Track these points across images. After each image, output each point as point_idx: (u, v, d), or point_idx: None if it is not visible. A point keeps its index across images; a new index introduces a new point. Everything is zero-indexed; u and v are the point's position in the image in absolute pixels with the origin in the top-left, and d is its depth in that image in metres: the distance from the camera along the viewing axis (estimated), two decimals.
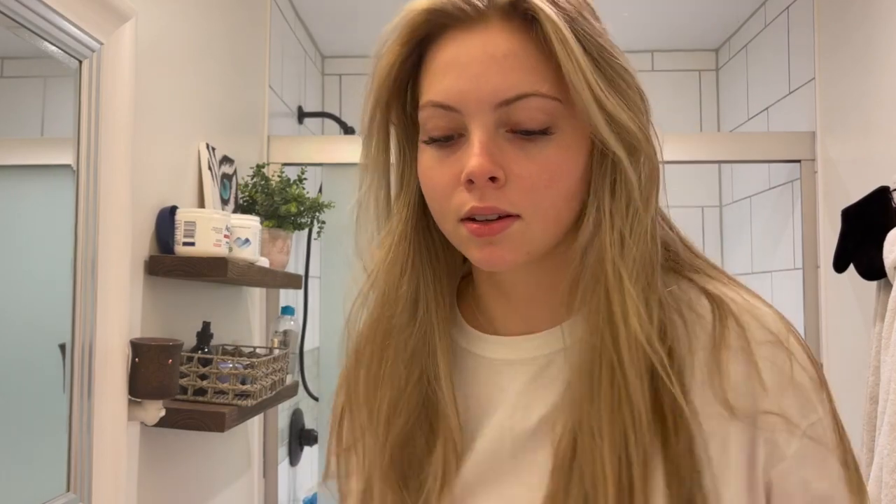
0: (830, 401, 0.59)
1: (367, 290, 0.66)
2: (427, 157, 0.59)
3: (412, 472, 0.62)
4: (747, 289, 0.62)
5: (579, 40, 0.54)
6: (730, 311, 0.59)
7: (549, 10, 0.54)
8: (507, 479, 0.60)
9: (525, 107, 0.55)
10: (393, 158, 0.64)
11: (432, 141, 0.59)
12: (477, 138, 0.55)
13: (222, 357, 1.50)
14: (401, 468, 0.62)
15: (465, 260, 0.68)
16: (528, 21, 0.55)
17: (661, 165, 0.59)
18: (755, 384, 0.57)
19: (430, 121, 0.58)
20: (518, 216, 0.56)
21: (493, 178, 0.55)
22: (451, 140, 0.58)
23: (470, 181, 0.55)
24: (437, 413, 0.62)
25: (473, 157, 0.55)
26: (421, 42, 0.60)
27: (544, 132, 0.55)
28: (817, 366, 0.59)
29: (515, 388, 0.62)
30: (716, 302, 0.59)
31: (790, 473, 0.57)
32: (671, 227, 0.64)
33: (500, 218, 0.56)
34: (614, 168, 0.57)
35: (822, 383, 0.59)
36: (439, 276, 0.65)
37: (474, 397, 0.63)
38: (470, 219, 0.57)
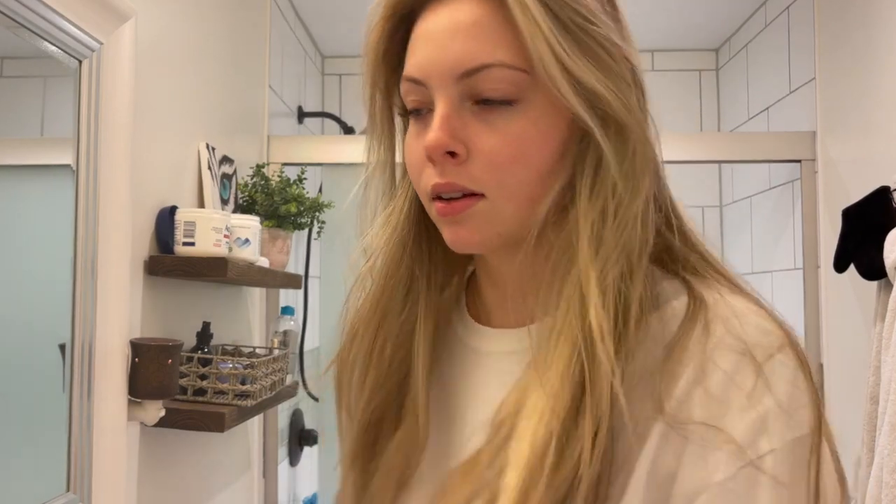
0: (814, 455, 0.48)
1: (367, 269, 0.64)
2: (408, 134, 0.58)
3: (376, 455, 0.61)
4: (753, 298, 0.55)
5: (547, 4, 0.51)
6: (702, 312, 0.52)
7: None
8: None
9: (489, 77, 0.52)
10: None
11: (409, 116, 0.57)
12: (438, 112, 0.53)
13: (222, 357, 1.50)
14: (366, 449, 0.61)
15: None
16: None
17: (657, 150, 0.55)
18: (699, 391, 0.49)
19: (406, 96, 0.56)
20: (482, 195, 0.53)
21: (452, 154, 0.53)
22: (422, 114, 0.56)
23: (431, 157, 0.53)
24: (407, 400, 0.61)
25: (431, 131, 0.53)
26: (407, 17, 0.58)
27: (509, 104, 0.52)
28: (805, 404, 0.49)
29: (499, 380, 0.57)
30: (693, 302, 0.53)
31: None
32: (677, 223, 0.57)
33: (464, 196, 0.53)
34: (597, 146, 0.52)
35: (803, 421, 0.49)
36: (435, 261, 0.63)
37: (454, 387, 0.62)
38: (438, 197, 0.54)
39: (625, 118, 0.52)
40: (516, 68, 0.52)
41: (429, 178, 0.55)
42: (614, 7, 0.56)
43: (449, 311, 0.66)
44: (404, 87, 0.57)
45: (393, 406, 0.62)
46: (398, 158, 0.63)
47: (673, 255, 0.57)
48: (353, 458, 0.63)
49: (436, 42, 0.54)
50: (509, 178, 0.53)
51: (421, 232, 0.62)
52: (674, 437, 0.49)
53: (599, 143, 0.52)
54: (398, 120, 0.62)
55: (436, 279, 0.63)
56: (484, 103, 0.53)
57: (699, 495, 0.47)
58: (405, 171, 0.61)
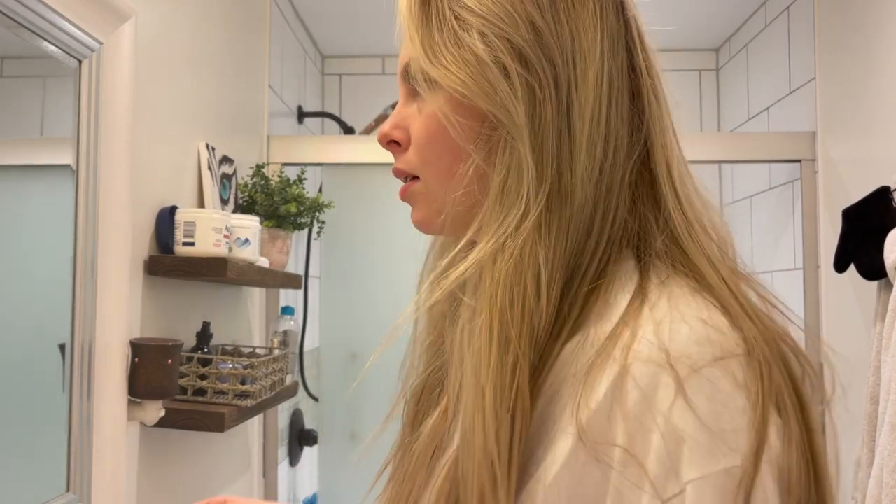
0: (741, 490, 0.42)
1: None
2: None
3: (418, 422, 0.63)
4: (716, 304, 0.49)
5: (424, 4, 0.56)
6: (636, 314, 0.48)
7: None
8: None
9: (411, 72, 0.58)
10: None
11: None
12: (396, 107, 0.61)
13: (222, 357, 1.50)
14: (414, 413, 0.64)
15: None
16: None
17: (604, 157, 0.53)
18: (616, 407, 0.45)
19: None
20: (417, 177, 0.59)
21: (396, 142, 0.60)
22: None
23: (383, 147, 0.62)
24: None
25: (384, 123, 0.61)
26: None
27: (429, 94, 0.57)
28: (739, 429, 0.43)
29: None
30: (635, 300, 0.50)
31: None
32: (660, 202, 0.55)
33: (407, 179, 0.60)
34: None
35: (733, 447, 0.42)
36: None
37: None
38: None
39: (499, 114, 0.52)
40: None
41: None
42: None
43: None
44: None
45: (439, 379, 0.64)
46: None
47: (655, 251, 0.54)
48: (409, 421, 0.66)
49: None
50: (429, 157, 0.58)
51: None
52: (593, 459, 0.45)
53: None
54: None
55: None
56: (415, 95, 0.59)
57: None
58: None
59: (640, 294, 0.50)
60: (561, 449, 0.47)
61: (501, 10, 0.53)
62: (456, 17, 0.54)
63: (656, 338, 0.46)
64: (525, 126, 0.52)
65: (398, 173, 0.61)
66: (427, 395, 0.64)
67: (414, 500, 0.56)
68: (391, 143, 0.61)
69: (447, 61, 0.54)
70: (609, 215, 0.53)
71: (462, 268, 0.52)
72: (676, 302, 0.48)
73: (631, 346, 0.46)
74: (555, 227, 0.51)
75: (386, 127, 0.60)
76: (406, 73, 0.59)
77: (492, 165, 0.53)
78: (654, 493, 0.43)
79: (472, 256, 0.52)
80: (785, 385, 0.46)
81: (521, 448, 0.48)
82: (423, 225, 0.61)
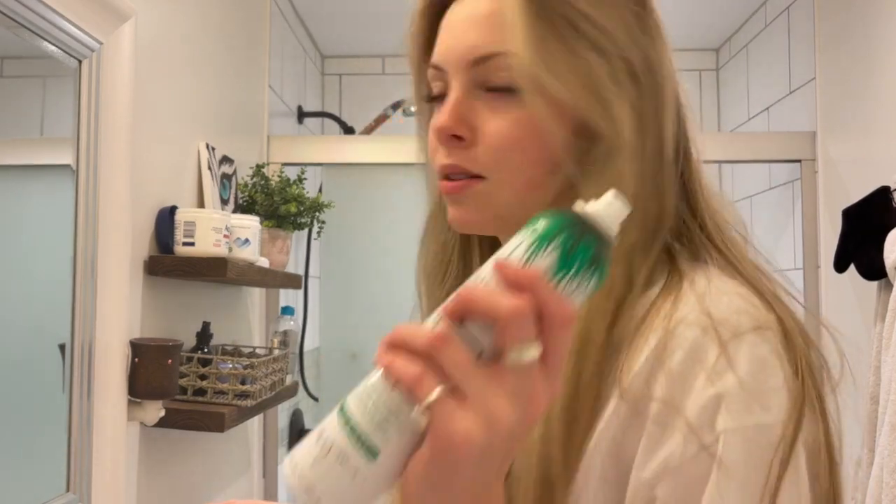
0: (779, 451, 0.45)
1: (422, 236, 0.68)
2: (431, 119, 0.60)
3: None
4: (750, 284, 0.53)
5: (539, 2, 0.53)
6: (674, 288, 0.52)
7: None
8: None
9: (497, 65, 0.54)
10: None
11: (432, 100, 0.60)
12: (451, 96, 0.56)
13: (222, 357, 1.50)
14: None
15: None
16: None
17: (666, 150, 0.55)
18: (658, 366, 0.48)
19: (431, 82, 0.59)
20: (482, 177, 0.55)
21: (459, 137, 0.55)
22: (442, 100, 0.58)
23: (438, 139, 0.56)
24: None
25: (440, 115, 0.55)
26: (440, 11, 0.60)
27: (515, 92, 0.54)
28: (775, 389, 0.47)
29: None
30: (670, 278, 0.53)
31: (671, 490, 0.46)
32: (700, 212, 0.58)
33: (466, 178, 0.56)
34: (591, 140, 0.54)
35: (768, 405, 0.46)
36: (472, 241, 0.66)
37: None
38: (446, 177, 0.57)
39: (605, 128, 0.53)
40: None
41: (440, 159, 0.57)
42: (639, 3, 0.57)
43: None
44: (430, 74, 0.59)
45: None
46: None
47: (688, 241, 0.57)
48: None
49: (454, 31, 0.57)
50: (507, 163, 0.54)
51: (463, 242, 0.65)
52: (633, 415, 0.48)
53: (595, 146, 0.54)
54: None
55: (470, 256, 0.66)
56: (493, 91, 0.55)
57: (660, 482, 0.46)
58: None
59: (675, 273, 0.53)
60: (604, 413, 0.49)
61: (617, 28, 0.54)
62: (574, 27, 0.53)
63: (699, 305, 0.49)
64: (629, 144, 0.53)
65: (453, 169, 0.56)
66: None
67: None
68: (453, 139, 0.55)
69: (562, 70, 0.52)
70: (667, 218, 0.55)
71: None
72: (714, 279, 0.52)
73: (673, 314, 0.49)
74: (647, 239, 0.54)
75: (448, 120, 0.55)
76: (475, 64, 0.55)
77: (585, 178, 0.53)
78: (691, 436, 0.46)
79: None
80: (808, 371, 0.50)
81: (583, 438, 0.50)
82: (469, 226, 0.58)
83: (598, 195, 0.43)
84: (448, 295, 0.54)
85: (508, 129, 0.54)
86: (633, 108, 0.54)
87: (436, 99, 0.59)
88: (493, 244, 0.65)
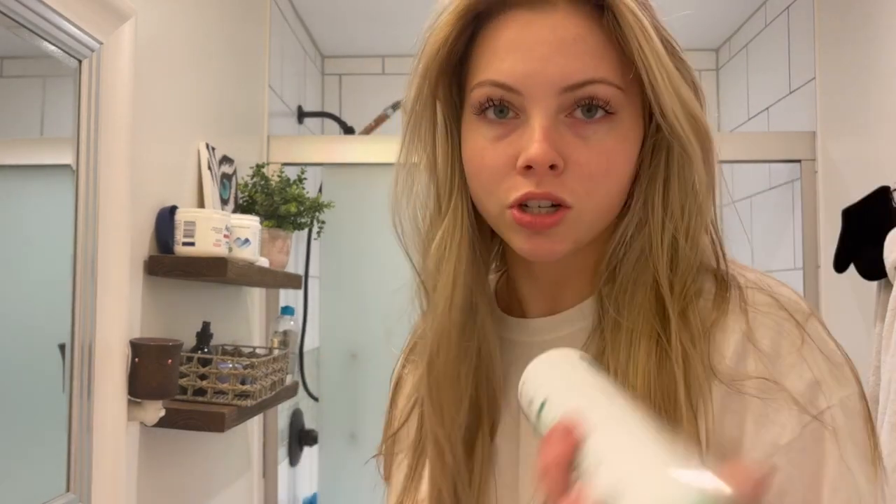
0: (863, 406, 0.52)
1: (428, 289, 0.64)
2: (478, 136, 0.57)
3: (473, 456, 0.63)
4: (774, 278, 0.58)
5: (655, 28, 0.54)
6: (734, 286, 0.56)
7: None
8: (510, 457, 0.62)
9: (590, 92, 0.53)
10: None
11: (482, 115, 0.56)
12: (538, 123, 0.53)
13: (222, 357, 1.50)
14: (459, 451, 0.62)
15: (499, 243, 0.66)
16: (597, 8, 0.54)
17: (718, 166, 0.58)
18: (751, 348, 0.52)
19: (488, 99, 0.56)
20: (569, 206, 0.54)
21: (552, 166, 0.53)
22: (504, 118, 0.56)
23: (528, 167, 0.53)
24: (488, 401, 0.63)
25: (535, 143, 0.53)
26: (477, 18, 0.57)
27: (603, 118, 0.54)
28: (844, 362, 0.53)
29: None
30: (720, 280, 0.57)
31: (784, 473, 0.50)
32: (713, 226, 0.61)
33: (553, 207, 0.54)
34: (668, 163, 0.57)
35: (848, 377, 0.53)
36: (486, 269, 0.65)
37: (507, 381, 0.63)
38: (520, 206, 0.54)
39: (711, 143, 0.57)
40: (615, 85, 0.54)
41: (514, 187, 0.55)
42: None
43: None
44: (486, 90, 0.56)
45: (480, 414, 0.63)
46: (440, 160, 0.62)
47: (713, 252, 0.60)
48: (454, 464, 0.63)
49: (537, 53, 0.54)
50: (599, 190, 0.55)
51: (475, 257, 0.62)
52: (732, 396, 0.52)
53: (668, 160, 0.57)
54: (440, 119, 0.62)
55: (486, 287, 0.64)
56: (582, 115, 0.54)
57: (777, 454, 0.50)
58: (445, 179, 0.61)
59: (720, 276, 0.57)
60: (701, 407, 0.52)
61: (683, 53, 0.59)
62: (674, 50, 0.58)
63: (765, 293, 0.55)
64: (699, 159, 0.56)
65: (546, 197, 0.54)
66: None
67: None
68: (548, 168, 0.53)
69: (681, 90, 0.56)
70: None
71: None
72: (757, 275, 0.57)
73: (747, 301, 0.54)
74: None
75: (547, 150, 0.52)
76: (569, 90, 0.53)
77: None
78: (801, 414, 0.50)
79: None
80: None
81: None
82: (552, 256, 0.56)
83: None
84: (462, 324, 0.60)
85: (601, 157, 0.54)
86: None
87: (487, 109, 0.56)
88: (497, 240, 0.65)
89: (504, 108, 0.55)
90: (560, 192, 0.54)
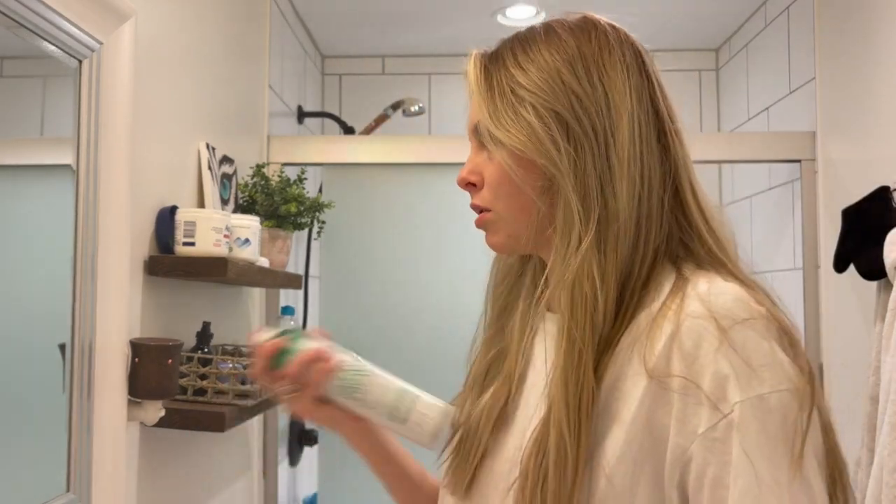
0: (796, 404, 0.59)
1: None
2: None
3: (484, 390, 0.79)
4: (746, 283, 0.67)
5: (489, 78, 0.73)
6: (681, 290, 0.66)
7: (471, 69, 0.75)
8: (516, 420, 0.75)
9: (479, 130, 0.75)
10: None
11: None
12: (469, 157, 0.77)
13: (222, 357, 1.50)
14: (479, 384, 0.81)
15: None
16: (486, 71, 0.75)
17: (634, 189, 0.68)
18: (675, 349, 0.62)
19: None
20: (489, 209, 0.75)
21: (472, 184, 0.76)
22: None
23: (461, 187, 0.77)
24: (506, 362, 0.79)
25: (461, 170, 0.77)
26: None
27: (492, 147, 0.73)
28: (768, 365, 0.60)
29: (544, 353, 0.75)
30: (677, 282, 0.67)
31: (700, 458, 0.60)
32: (693, 223, 0.71)
33: (481, 212, 0.76)
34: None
35: (767, 377, 0.60)
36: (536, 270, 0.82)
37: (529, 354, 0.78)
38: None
39: (550, 170, 0.69)
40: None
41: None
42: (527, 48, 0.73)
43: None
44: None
45: (498, 362, 0.81)
46: None
47: (692, 254, 0.71)
48: (471, 385, 0.83)
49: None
50: (500, 195, 0.74)
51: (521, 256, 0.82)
52: (660, 390, 0.62)
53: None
54: None
55: (533, 274, 0.81)
56: (484, 148, 0.75)
57: (691, 444, 0.60)
58: None
59: (681, 279, 0.67)
60: (634, 393, 0.63)
61: (546, 85, 0.70)
62: (513, 92, 0.71)
63: (701, 302, 0.63)
64: (568, 172, 0.68)
65: (474, 207, 0.76)
66: (492, 372, 0.80)
67: (483, 452, 0.74)
68: (469, 185, 0.76)
69: (507, 125, 0.70)
70: (652, 229, 0.69)
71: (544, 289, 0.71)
72: (713, 281, 0.65)
73: (683, 309, 0.63)
74: (606, 244, 0.67)
75: (464, 173, 0.76)
76: (476, 130, 0.75)
77: (551, 205, 0.70)
78: (713, 408, 0.59)
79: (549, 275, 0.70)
80: (796, 349, 0.63)
81: (590, 414, 0.64)
82: (497, 246, 0.77)
83: (563, 215, 0.68)
84: (503, 308, 0.82)
85: (494, 173, 0.74)
86: (570, 146, 0.68)
87: None
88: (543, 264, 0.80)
89: None
90: (477, 200, 0.76)
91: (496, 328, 0.82)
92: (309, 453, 2.54)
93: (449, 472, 0.79)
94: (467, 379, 0.84)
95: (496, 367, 0.80)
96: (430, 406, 0.79)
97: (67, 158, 1.14)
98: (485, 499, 0.73)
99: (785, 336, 0.63)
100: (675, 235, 0.71)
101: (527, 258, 0.82)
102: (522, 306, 0.80)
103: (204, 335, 1.52)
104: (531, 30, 0.75)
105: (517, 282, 0.82)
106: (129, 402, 1.24)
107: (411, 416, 0.78)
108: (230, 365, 1.47)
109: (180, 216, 1.40)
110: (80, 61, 1.15)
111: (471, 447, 0.76)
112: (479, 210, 0.76)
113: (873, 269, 1.54)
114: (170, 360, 1.26)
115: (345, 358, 0.83)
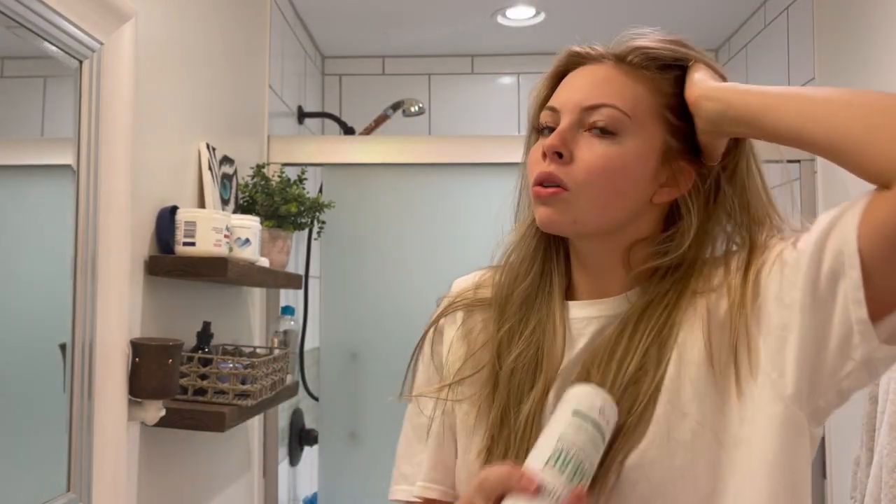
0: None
1: (505, 256, 0.85)
2: (532, 147, 0.80)
3: (515, 397, 0.78)
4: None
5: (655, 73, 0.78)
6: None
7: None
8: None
9: (601, 113, 0.74)
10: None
11: (538, 131, 0.80)
12: (560, 127, 0.75)
13: (222, 357, 1.50)
14: (506, 393, 0.78)
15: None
16: (634, 67, 0.76)
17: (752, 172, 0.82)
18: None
19: (543, 119, 0.78)
20: (567, 189, 0.73)
21: (559, 154, 0.74)
22: (545, 133, 0.77)
23: (544, 154, 0.75)
24: (545, 355, 0.78)
25: (551, 137, 0.75)
26: (564, 74, 0.80)
27: (611, 134, 0.74)
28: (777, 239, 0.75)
29: (582, 340, 0.77)
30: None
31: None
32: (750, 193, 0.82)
33: (556, 187, 0.74)
34: (706, 191, 0.77)
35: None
36: (560, 255, 0.83)
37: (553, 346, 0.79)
38: (538, 184, 0.75)
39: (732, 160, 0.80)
40: (623, 112, 0.74)
41: (540, 167, 0.75)
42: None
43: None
44: (543, 114, 0.79)
45: (530, 361, 0.79)
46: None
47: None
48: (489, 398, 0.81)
49: (573, 86, 0.78)
50: (592, 184, 0.74)
51: (546, 242, 0.83)
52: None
53: (707, 189, 0.77)
54: None
55: (559, 267, 0.83)
56: (594, 131, 0.74)
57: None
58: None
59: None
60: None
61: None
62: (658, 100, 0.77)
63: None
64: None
65: (549, 178, 0.74)
66: (519, 374, 0.78)
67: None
68: (555, 155, 0.74)
69: (650, 126, 0.76)
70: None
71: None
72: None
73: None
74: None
75: (556, 141, 0.74)
76: (587, 110, 0.74)
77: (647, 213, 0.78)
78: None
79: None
80: None
81: None
82: (552, 225, 0.76)
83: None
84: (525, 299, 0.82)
85: (597, 160, 0.73)
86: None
87: (543, 130, 0.78)
88: (566, 254, 0.83)
89: (550, 130, 0.77)
90: (561, 175, 0.74)
91: (513, 322, 0.81)
92: (309, 453, 2.54)
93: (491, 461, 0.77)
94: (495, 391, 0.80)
95: (528, 368, 0.78)
96: (583, 395, 0.69)
97: (68, 158, 1.14)
98: None
99: None
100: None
101: (550, 248, 0.82)
102: (555, 298, 0.80)
103: (204, 335, 1.52)
104: None
105: (541, 272, 0.82)
106: (130, 402, 1.24)
107: (597, 415, 0.68)
108: (230, 365, 1.48)
109: (181, 216, 1.40)
110: (81, 62, 1.16)
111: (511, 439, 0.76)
112: (556, 184, 0.74)
113: None
114: (170, 360, 1.26)
115: (542, 476, 0.64)
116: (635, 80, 0.75)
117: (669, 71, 0.77)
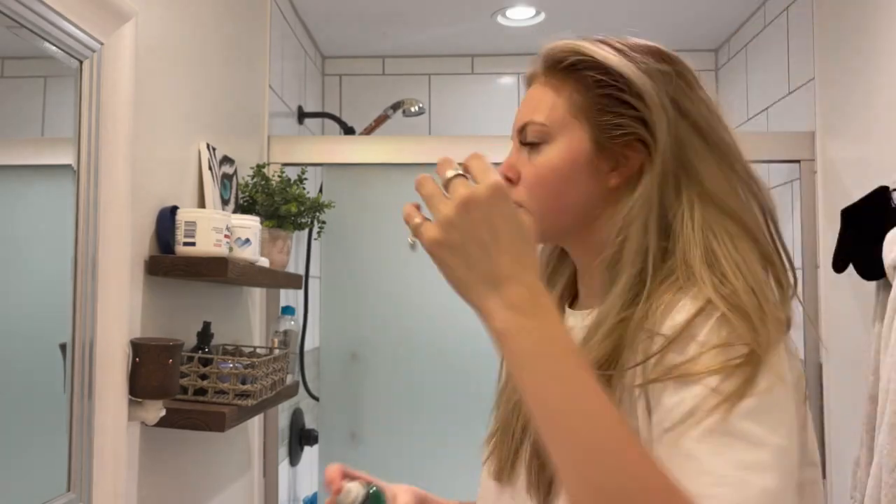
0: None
1: None
2: None
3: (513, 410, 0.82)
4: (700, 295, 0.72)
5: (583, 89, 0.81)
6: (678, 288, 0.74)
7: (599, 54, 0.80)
8: None
9: (526, 132, 0.81)
10: None
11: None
12: (508, 155, 0.83)
13: (223, 357, 1.50)
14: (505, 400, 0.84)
15: None
16: (556, 74, 0.80)
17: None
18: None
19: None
20: (523, 206, 0.78)
21: (509, 179, 0.80)
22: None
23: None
24: None
25: (500, 166, 0.79)
26: None
27: (537, 146, 0.80)
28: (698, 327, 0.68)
29: None
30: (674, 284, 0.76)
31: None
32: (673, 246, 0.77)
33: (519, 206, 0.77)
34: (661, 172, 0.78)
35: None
36: (569, 265, 0.89)
37: None
38: None
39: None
40: (539, 123, 0.80)
41: None
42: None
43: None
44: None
45: None
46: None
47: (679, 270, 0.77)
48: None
49: (517, 112, 0.84)
50: (534, 194, 0.80)
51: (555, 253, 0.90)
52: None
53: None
54: None
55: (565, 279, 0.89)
56: (528, 148, 0.81)
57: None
58: None
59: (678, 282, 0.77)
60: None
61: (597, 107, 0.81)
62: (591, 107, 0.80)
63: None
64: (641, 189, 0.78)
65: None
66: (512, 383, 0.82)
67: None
68: (506, 180, 0.80)
69: (573, 130, 0.80)
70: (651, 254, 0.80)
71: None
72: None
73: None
74: None
75: (503, 168, 0.81)
76: (522, 132, 0.81)
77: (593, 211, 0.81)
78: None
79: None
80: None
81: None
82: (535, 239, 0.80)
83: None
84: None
85: (530, 173, 0.80)
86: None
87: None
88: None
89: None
90: (516, 196, 0.79)
91: None
92: (309, 453, 2.54)
93: (492, 458, 0.83)
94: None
95: None
96: None
97: (68, 158, 1.14)
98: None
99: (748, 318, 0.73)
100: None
101: (562, 260, 0.89)
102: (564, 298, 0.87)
103: (204, 335, 1.52)
104: None
105: (546, 283, 0.87)
106: (130, 402, 1.24)
107: None
108: (231, 365, 1.48)
109: (181, 216, 1.40)
110: (81, 62, 1.16)
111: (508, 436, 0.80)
112: (518, 205, 0.79)
113: (872, 269, 1.54)
114: (170, 360, 1.26)
115: None
116: (557, 88, 0.80)
117: (593, 70, 0.79)
